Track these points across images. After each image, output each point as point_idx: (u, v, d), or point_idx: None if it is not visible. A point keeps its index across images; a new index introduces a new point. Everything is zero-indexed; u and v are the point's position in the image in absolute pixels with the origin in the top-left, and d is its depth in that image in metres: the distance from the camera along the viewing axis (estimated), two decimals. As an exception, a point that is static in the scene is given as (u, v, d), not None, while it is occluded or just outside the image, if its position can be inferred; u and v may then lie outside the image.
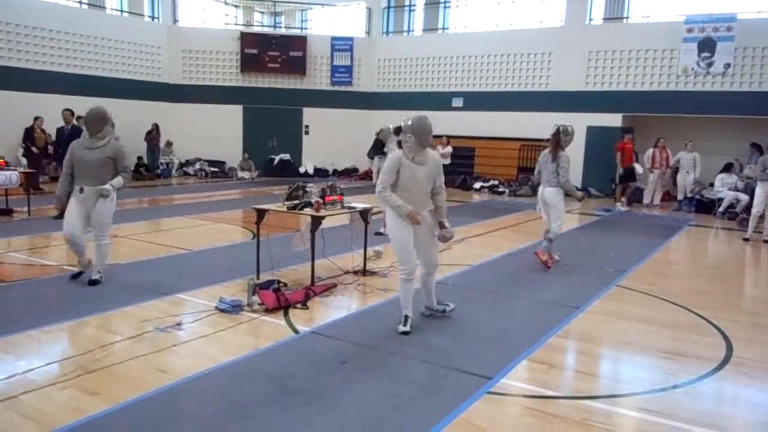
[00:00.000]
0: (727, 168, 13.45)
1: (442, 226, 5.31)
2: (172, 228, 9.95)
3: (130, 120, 17.09)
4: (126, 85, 17.89)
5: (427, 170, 5.13)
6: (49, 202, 9.42)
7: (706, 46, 14.94)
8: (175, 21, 19.95)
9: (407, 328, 5.08)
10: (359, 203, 7.44)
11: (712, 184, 13.90)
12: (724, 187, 13.16)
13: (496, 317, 5.72)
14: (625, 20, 16.93)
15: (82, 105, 15.84)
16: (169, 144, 18.87)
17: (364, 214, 7.14)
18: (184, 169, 19.31)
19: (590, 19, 17.07)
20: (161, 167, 18.56)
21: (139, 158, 17.89)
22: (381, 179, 5.06)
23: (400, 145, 5.25)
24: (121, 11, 18.92)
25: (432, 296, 5.60)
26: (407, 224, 5.06)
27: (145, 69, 18.77)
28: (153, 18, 19.65)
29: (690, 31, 15.10)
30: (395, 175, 5.03)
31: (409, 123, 5.12)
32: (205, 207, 12.44)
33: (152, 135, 17.96)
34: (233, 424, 3.51)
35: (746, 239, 10.46)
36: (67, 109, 9.88)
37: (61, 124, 13.24)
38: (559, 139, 7.73)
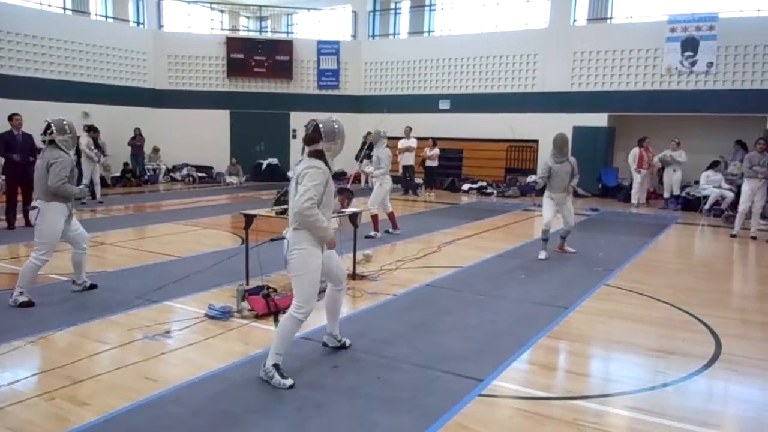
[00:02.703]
0: (713, 165, 13.57)
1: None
2: (159, 234, 9.89)
3: (115, 126, 17.03)
4: (111, 91, 17.78)
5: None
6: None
7: (689, 45, 15.07)
8: (161, 26, 19.86)
9: (291, 381, 4.06)
10: (348, 207, 7.41)
11: (697, 182, 14.00)
12: (709, 185, 13.28)
13: (486, 319, 5.72)
14: (608, 21, 17.04)
15: (67, 112, 15.86)
16: (155, 150, 18.76)
17: (354, 217, 7.12)
18: (172, 174, 19.20)
19: (574, 20, 17.17)
20: (148, 173, 18.46)
21: (126, 164, 17.79)
22: (309, 194, 3.98)
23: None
24: (106, 17, 18.80)
25: (337, 322, 4.77)
26: (319, 252, 4.20)
27: (131, 75, 18.66)
28: (138, 23, 19.57)
29: (673, 30, 15.23)
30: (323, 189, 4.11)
31: (336, 126, 4.22)
32: (193, 213, 12.37)
33: (135, 140, 17.83)
34: (225, 431, 3.48)
35: (733, 236, 10.55)
36: (17, 114, 9.89)
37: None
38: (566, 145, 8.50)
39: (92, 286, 6.37)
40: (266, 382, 4.08)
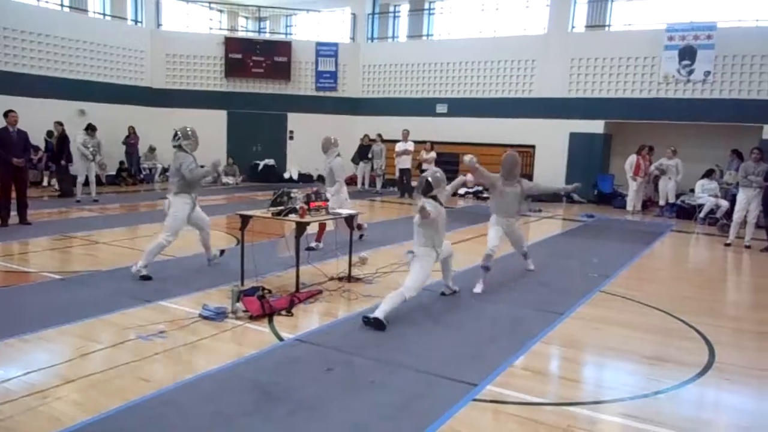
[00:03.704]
0: (708, 174, 13.61)
1: None
2: (154, 234, 9.81)
3: (112, 124, 16.98)
4: (108, 89, 17.74)
5: None
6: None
7: (687, 53, 15.13)
8: (159, 25, 19.83)
9: (381, 318, 5.34)
10: (344, 209, 7.42)
11: (692, 190, 14.05)
12: (704, 193, 13.32)
13: (481, 323, 5.72)
14: (607, 28, 17.11)
15: (63, 109, 15.84)
16: (152, 149, 18.70)
17: (350, 220, 7.12)
18: (168, 174, 19.10)
19: (573, 27, 17.23)
20: (144, 172, 18.41)
21: (121, 163, 17.74)
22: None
23: (435, 197, 5.89)
24: (104, 15, 18.76)
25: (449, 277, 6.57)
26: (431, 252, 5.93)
27: (129, 73, 18.62)
28: (136, 22, 19.53)
29: (671, 39, 15.29)
30: None
31: (439, 176, 5.95)
32: (189, 213, 12.31)
33: (129, 139, 17.76)
34: (217, 433, 3.48)
35: (728, 244, 10.58)
36: (12, 111, 9.93)
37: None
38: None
39: (222, 252, 7.59)
40: (260, 387, 4.07)
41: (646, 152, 14.70)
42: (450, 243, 6.43)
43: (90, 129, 13.45)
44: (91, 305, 5.74)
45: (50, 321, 5.22)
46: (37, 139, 14.22)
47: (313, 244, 8.74)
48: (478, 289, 6.81)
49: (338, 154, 9.08)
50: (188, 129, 7.17)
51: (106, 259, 7.82)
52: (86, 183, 13.36)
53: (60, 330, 5.07)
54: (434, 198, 5.90)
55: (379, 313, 5.36)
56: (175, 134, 7.11)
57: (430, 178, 5.94)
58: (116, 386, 4.02)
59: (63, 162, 13.95)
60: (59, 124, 13.92)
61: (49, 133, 14.82)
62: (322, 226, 8.83)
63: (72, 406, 3.73)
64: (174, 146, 7.13)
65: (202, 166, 7.18)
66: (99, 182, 15.12)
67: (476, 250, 9.31)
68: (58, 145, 13.91)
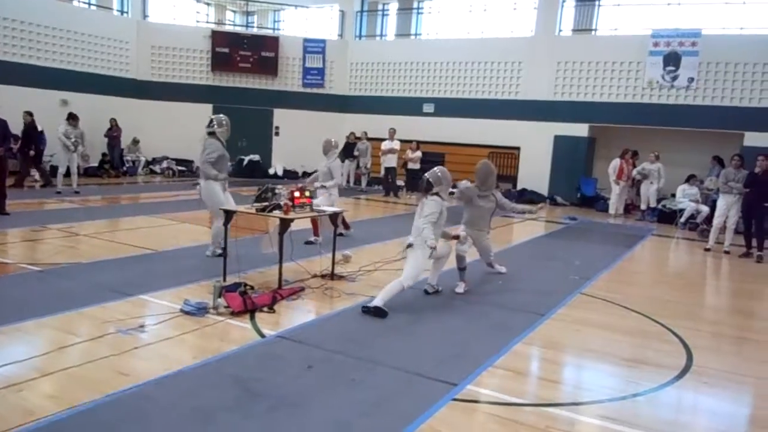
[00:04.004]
0: (689, 179, 13.76)
1: None
2: (136, 227, 9.77)
3: (95, 115, 16.80)
4: (92, 80, 17.53)
5: None
6: None
7: (672, 59, 15.29)
8: (145, 16, 19.64)
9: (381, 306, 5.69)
10: (328, 206, 7.40)
11: (674, 195, 14.20)
12: (685, 198, 13.46)
13: (462, 323, 5.74)
14: (593, 32, 17.24)
15: (46, 98, 15.64)
16: (135, 141, 18.52)
17: (333, 217, 7.10)
18: (151, 167, 18.97)
19: (560, 30, 17.33)
20: (127, 165, 18.23)
21: (104, 155, 17.54)
22: (429, 218, 5.97)
23: (436, 194, 6.07)
24: (89, 4, 18.54)
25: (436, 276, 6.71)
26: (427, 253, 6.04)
27: (113, 64, 18.42)
28: (122, 12, 19.34)
29: (656, 44, 15.43)
30: None
31: (439, 174, 6.22)
32: (172, 206, 12.23)
33: (111, 131, 17.55)
34: (196, 429, 3.45)
35: (707, 249, 10.71)
36: None
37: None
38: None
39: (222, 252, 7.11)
40: (241, 383, 4.05)
41: (629, 156, 14.84)
42: (449, 246, 6.57)
43: (72, 119, 13.26)
44: (70, 298, 5.68)
45: (28, 313, 5.15)
46: (18, 128, 14.00)
47: (312, 239, 8.80)
48: (460, 289, 6.82)
49: (339, 156, 9.44)
50: (223, 118, 7.68)
51: (87, 252, 7.73)
52: (67, 174, 13.18)
53: (38, 322, 5.00)
54: (437, 195, 6.08)
55: (378, 302, 5.66)
56: (210, 121, 7.60)
57: (429, 178, 6.12)
58: (94, 380, 3.97)
59: (32, 152, 13.56)
60: (28, 114, 13.57)
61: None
62: (315, 221, 8.85)
63: (48, 399, 3.68)
64: (207, 133, 7.54)
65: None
66: (79, 173, 14.93)
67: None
68: (25, 135, 13.58)
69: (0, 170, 9.94)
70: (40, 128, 14.29)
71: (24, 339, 4.69)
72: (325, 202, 8.70)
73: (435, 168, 6.41)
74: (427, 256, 6.03)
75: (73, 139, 13.04)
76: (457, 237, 6.58)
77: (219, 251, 7.21)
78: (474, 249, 7.48)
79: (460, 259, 6.89)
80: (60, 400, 3.66)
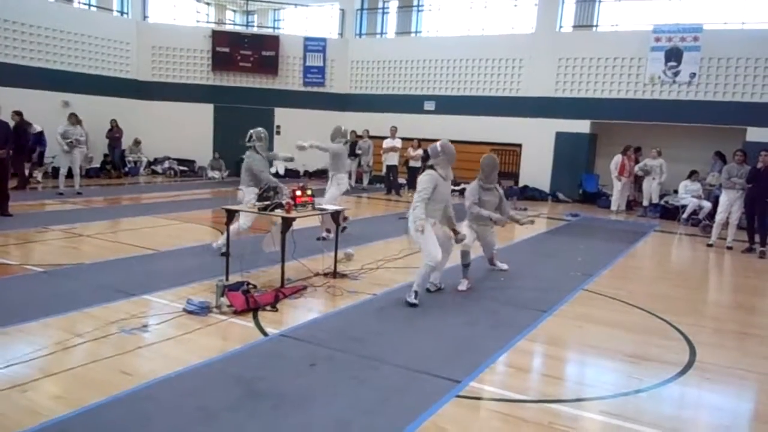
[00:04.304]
0: (691, 175, 13.73)
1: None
2: (139, 227, 9.79)
3: (96, 116, 16.83)
4: (93, 81, 17.53)
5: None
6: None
7: (673, 55, 15.25)
8: (145, 17, 19.64)
9: (416, 302, 5.97)
10: (330, 205, 7.41)
11: (676, 191, 14.18)
12: (687, 194, 13.44)
13: (465, 320, 5.74)
14: (594, 28, 17.19)
15: (47, 100, 15.67)
16: (137, 142, 18.54)
17: (335, 215, 7.11)
18: (153, 167, 18.99)
19: (560, 27, 17.29)
20: (129, 165, 18.26)
21: (106, 155, 17.57)
22: (420, 194, 6.09)
23: (431, 167, 6.24)
24: (89, 5, 18.54)
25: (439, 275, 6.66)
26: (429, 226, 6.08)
27: (114, 65, 18.42)
28: (122, 13, 19.34)
29: (657, 40, 15.40)
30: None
31: (438, 147, 6.28)
32: (174, 206, 12.26)
33: (112, 132, 17.56)
34: (200, 428, 3.46)
35: (710, 245, 10.70)
36: None
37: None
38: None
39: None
40: (244, 382, 4.06)
41: (631, 153, 14.82)
42: (453, 244, 6.60)
43: (73, 118, 13.21)
44: (74, 298, 5.69)
45: (32, 314, 5.18)
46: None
47: (323, 234, 8.86)
48: (462, 286, 6.81)
49: (346, 143, 9.70)
50: (261, 132, 7.76)
51: (90, 252, 7.75)
52: (70, 175, 13.19)
53: (42, 323, 5.02)
54: (433, 168, 6.17)
55: (416, 289, 6.04)
56: (250, 136, 7.68)
57: (429, 149, 6.37)
58: (99, 380, 3.99)
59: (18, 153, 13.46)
60: (17, 114, 13.37)
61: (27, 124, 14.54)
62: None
63: (53, 399, 3.70)
64: (247, 146, 7.70)
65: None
66: (81, 174, 14.92)
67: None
68: (14, 135, 13.50)
69: (2, 172, 9.96)
70: (38, 128, 14.25)
71: (28, 339, 4.70)
72: (336, 193, 9.12)
73: (442, 141, 6.49)
74: (430, 230, 6.07)
75: (69, 140, 12.94)
76: (456, 233, 6.56)
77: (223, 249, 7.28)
78: (477, 245, 7.47)
79: (464, 254, 6.89)
80: (65, 400, 3.68)
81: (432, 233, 6.09)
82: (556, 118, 16.71)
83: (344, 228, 9.55)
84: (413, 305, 5.93)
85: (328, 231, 8.87)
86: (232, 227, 7.08)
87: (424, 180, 6.10)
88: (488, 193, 7.34)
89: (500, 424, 3.72)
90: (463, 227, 7.08)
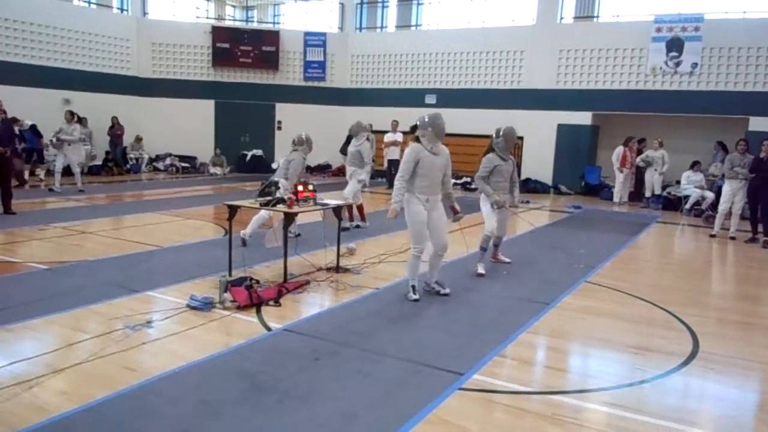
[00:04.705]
0: (693, 165, 13.70)
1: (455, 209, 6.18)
2: (141, 224, 9.80)
3: (97, 114, 16.86)
4: (94, 78, 17.55)
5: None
6: None
7: (674, 45, 15.20)
8: (145, 13, 19.63)
9: (417, 296, 5.89)
10: (332, 200, 7.41)
11: (678, 182, 14.15)
12: (690, 185, 13.42)
13: (468, 313, 5.75)
14: (595, 19, 17.14)
15: (47, 98, 15.67)
16: (138, 139, 18.56)
17: (338, 210, 7.12)
18: (154, 164, 19.01)
19: (561, 18, 17.24)
20: (130, 162, 18.27)
21: (108, 153, 17.59)
22: (402, 168, 5.79)
23: (417, 139, 5.80)
24: (89, 3, 18.53)
25: (435, 274, 6.23)
26: (420, 209, 5.79)
27: (114, 62, 18.43)
28: (122, 10, 19.32)
29: (659, 30, 15.35)
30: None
31: (426, 119, 5.75)
32: (176, 203, 12.28)
33: (114, 129, 17.57)
34: (204, 423, 3.47)
35: (713, 236, 10.69)
36: None
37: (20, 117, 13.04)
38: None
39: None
40: (248, 377, 4.08)
41: (634, 144, 14.79)
42: (447, 240, 6.12)
43: (68, 115, 13.10)
44: (78, 295, 5.71)
45: (36, 311, 5.20)
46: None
47: (360, 223, 9.07)
48: (481, 269, 7.15)
49: (368, 138, 9.79)
50: (303, 136, 8.39)
51: (93, 249, 7.77)
52: (69, 173, 13.15)
53: (46, 320, 5.04)
54: (419, 140, 5.82)
55: (412, 284, 5.98)
56: (293, 141, 8.42)
57: (418, 118, 5.91)
58: (104, 376, 4.00)
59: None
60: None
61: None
62: (349, 208, 9.43)
63: (58, 395, 3.71)
64: (292, 150, 8.33)
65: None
66: (83, 172, 14.92)
67: (465, 242, 9.35)
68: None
69: (5, 170, 9.98)
70: (29, 123, 14.11)
71: (33, 336, 4.73)
72: (356, 187, 9.42)
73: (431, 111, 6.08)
74: (421, 210, 5.82)
75: (60, 136, 12.76)
76: (456, 212, 6.25)
77: (246, 238, 7.88)
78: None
79: (486, 239, 7.31)
80: (71, 396, 3.70)
81: (418, 215, 5.82)
82: (557, 110, 16.68)
83: (356, 226, 9.66)
84: (415, 300, 5.90)
85: (363, 220, 9.50)
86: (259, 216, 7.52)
87: (405, 154, 5.82)
88: (505, 164, 7.42)
89: (504, 415, 3.73)
90: (483, 204, 7.49)
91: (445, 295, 6.16)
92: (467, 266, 7.61)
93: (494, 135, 7.47)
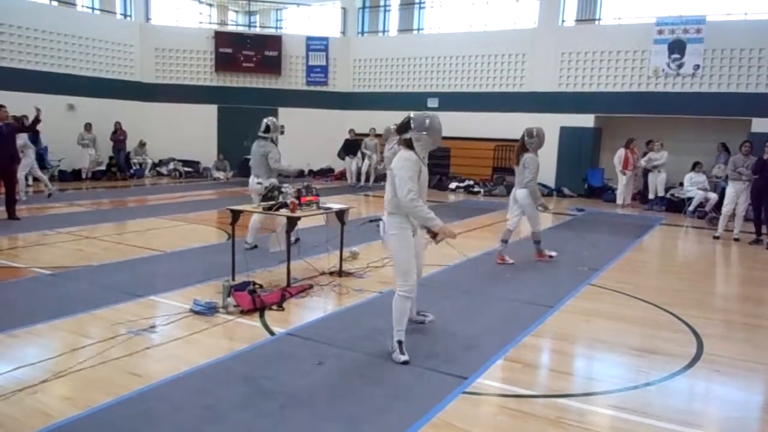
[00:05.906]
0: (695, 167, 13.67)
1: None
2: (145, 229, 9.82)
3: (101, 119, 16.91)
4: (97, 84, 17.62)
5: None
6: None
7: (676, 47, 15.19)
8: (148, 19, 19.69)
9: (406, 357, 4.45)
10: (335, 204, 7.41)
11: (681, 184, 14.12)
12: (693, 186, 13.39)
13: (472, 317, 5.74)
14: (597, 22, 17.14)
15: (52, 103, 15.73)
16: (142, 144, 18.60)
17: (340, 214, 7.12)
18: (158, 169, 19.05)
19: (563, 21, 17.24)
20: (134, 167, 18.32)
21: (111, 158, 17.63)
22: (408, 186, 4.35)
23: (408, 144, 4.58)
24: (93, 9, 18.61)
25: (414, 305, 5.14)
26: (411, 236, 4.59)
27: (118, 67, 18.49)
28: (125, 16, 19.39)
29: (660, 32, 15.34)
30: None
31: (427, 120, 4.61)
32: (179, 208, 12.29)
33: (117, 134, 17.60)
34: (208, 428, 3.47)
35: (716, 237, 10.66)
36: (2, 106, 9.71)
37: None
38: (524, 142, 7.84)
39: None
40: (252, 381, 4.07)
41: (634, 146, 14.78)
42: (423, 260, 5.21)
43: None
44: (81, 300, 5.72)
45: (40, 316, 5.20)
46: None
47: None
48: (551, 252, 8.14)
49: (398, 142, 9.65)
50: (275, 122, 8.30)
51: (96, 254, 7.79)
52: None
53: (50, 325, 5.05)
54: (407, 144, 4.62)
55: (398, 339, 4.56)
56: (267, 127, 8.18)
57: (413, 119, 4.64)
58: (107, 381, 4.01)
59: None
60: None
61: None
62: None
63: (62, 401, 3.72)
64: (263, 137, 8.11)
65: None
66: (78, 177, 14.79)
67: (468, 245, 9.35)
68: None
69: (9, 177, 10.01)
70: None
71: (37, 342, 4.73)
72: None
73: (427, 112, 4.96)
74: (409, 237, 4.59)
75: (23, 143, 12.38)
76: (435, 235, 4.74)
77: (252, 244, 7.96)
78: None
79: (507, 232, 7.94)
80: (75, 401, 3.70)
81: (410, 245, 4.60)
82: (559, 113, 16.66)
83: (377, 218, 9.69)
84: (405, 363, 4.43)
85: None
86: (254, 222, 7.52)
87: (402, 168, 4.45)
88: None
89: (508, 419, 3.72)
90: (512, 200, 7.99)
91: (431, 322, 5.38)
92: (467, 269, 7.61)
93: (526, 135, 7.77)
